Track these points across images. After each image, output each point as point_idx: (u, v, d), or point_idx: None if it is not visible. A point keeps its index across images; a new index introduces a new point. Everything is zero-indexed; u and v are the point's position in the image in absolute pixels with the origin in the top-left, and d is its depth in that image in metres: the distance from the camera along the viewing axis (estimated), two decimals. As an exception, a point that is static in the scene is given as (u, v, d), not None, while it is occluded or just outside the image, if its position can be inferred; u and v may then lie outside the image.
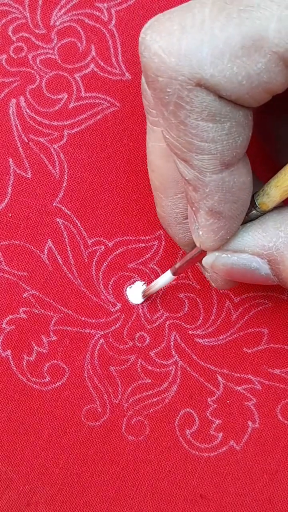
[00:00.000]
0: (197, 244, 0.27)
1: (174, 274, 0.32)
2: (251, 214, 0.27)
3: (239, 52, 0.21)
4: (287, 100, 0.30)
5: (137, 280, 0.35)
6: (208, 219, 0.26)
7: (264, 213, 0.27)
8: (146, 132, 0.30)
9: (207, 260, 0.28)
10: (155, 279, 0.35)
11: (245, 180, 0.25)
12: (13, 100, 0.35)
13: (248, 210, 0.27)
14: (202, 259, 0.29)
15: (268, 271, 0.27)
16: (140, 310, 0.35)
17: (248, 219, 0.27)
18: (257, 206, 0.26)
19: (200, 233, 0.26)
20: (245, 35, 0.21)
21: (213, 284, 0.31)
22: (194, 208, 0.26)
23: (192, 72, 0.22)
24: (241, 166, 0.25)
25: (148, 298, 0.35)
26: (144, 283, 0.35)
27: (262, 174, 0.30)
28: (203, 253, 0.29)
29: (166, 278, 0.33)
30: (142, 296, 0.35)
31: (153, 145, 0.29)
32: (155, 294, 0.35)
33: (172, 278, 0.32)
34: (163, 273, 0.35)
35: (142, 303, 0.35)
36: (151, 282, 0.35)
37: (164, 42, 0.22)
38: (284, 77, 0.22)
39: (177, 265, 0.31)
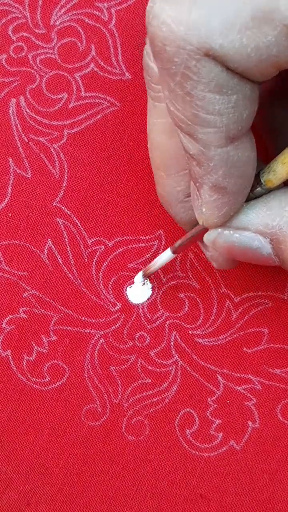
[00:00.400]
0: (200, 222, 0.27)
1: (174, 252, 0.31)
2: (256, 192, 0.27)
3: (250, 23, 0.21)
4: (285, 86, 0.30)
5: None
6: (211, 195, 0.25)
7: (269, 191, 0.26)
8: (146, 129, 0.30)
9: (208, 237, 0.28)
10: (156, 279, 0.35)
11: (250, 154, 0.25)
12: (13, 100, 0.35)
13: (253, 188, 0.26)
14: (203, 237, 0.28)
15: (270, 251, 0.27)
16: (140, 310, 0.35)
17: (253, 196, 0.27)
18: (262, 184, 0.26)
19: (204, 209, 0.26)
20: (256, 7, 0.21)
21: (214, 264, 0.31)
22: (197, 184, 0.26)
23: (200, 41, 0.21)
24: (246, 140, 0.25)
25: (152, 295, 0.35)
26: (145, 282, 0.35)
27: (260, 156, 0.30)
28: (203, 231, 0.28)
29: (165, 256, 0.32)
30: (143, 275, 0.34)
31: (155, 122, 0.29)
32: (155, 294, 0.35)
33: (172, 257, 0.32)
34: (163, 273, 0.35)
35: (143, 281, 0.35)
36: (152, 282, 0.35)
37: (173, 11, 0.22)
38: None
39: (177, 243, 0.31)
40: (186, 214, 0.30)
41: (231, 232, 0.27)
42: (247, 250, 0.27)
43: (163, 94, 0.24)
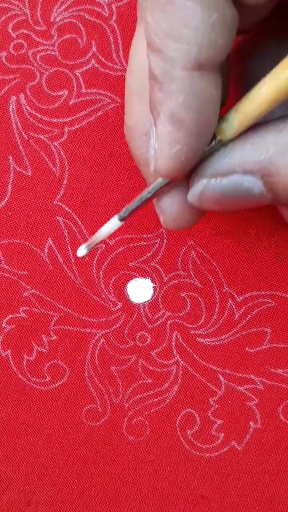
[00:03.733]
0: (151, 166, 0.25)
1: (121, 220, 0.28)
2: (212, 148, 0.25)
3: None
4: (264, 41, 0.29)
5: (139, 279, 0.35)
6: (167, 125, 0.24)
7: (225, 143, 0.25)
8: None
9: (194, 192, 0.26)
10: (157, 278, 0.35)
11: (214, 92, 0.24)
12: (13, 97, 0.34)
13: (214, 140, 0.25)
14: (152, 199, 0.27)
15: (261, 188, 0.25)
16: (141, 309, 0.35)
17: (208, 153, 0.25)
18: (225, 131, 0.25)
19: (156, 145, 0.25)
20: None
21: (161, 218, 0.28)
22: (155, 113, 0.24)
23: None
24: (213, 76, 0.24)
25: (153, 294, 0.35)
26: (147, 279, 0.35)
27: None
28: (155, 194, 0.26)
29: (111, 225, 0.28)
30: (86, 247, 0.29)
31: (137, 43, 0.28)
32: (156, 294, 0.35)
33: (119, 224, 0.28)
34: (165, 272, 0.35)
35: (85, 256, 0.33)
36: (153, 281, 0.35)
37: None
38: None
39: (124, 208, 0.27)
40: (146, 150, 0.28)
41: (218, 180, 0.25)
42: (237, 194, 0.25)
43: (145, 5, 0.24)
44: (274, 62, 0.25)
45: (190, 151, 0.25)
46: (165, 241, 0.35)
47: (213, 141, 0.25)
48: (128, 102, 0.29)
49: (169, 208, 0.28)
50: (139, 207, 0.27)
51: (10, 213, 0.35)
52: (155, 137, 0.25)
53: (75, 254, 0.35)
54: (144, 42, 0.27)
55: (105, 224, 0.28)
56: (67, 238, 0.35)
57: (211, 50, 0.23)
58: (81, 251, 0.29)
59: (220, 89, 0.25)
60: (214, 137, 0.25)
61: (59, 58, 0.34)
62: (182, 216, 0.28)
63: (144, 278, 0.35)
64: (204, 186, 0.26)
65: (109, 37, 0.34)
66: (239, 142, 0.25)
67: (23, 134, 0.35)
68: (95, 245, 0.29)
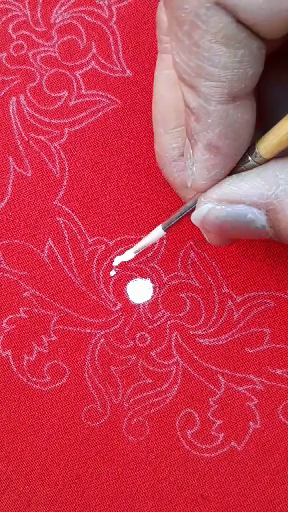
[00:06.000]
0: (189, 183, 0.27)
1: (165, 229, 0.31)
2: (247, 165, 0.26)
3: None
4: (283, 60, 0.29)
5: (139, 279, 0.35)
6: (204, 153, 0.25)
7: (261, 163, 0.26)
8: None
9: (197, 214, 0.27)
10: (157, 278, 0.35)
11: (249, 118, 0.25)
12: (13, 98, 0.35)
13: (245, 160, 0.26)
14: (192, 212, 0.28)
15: (265, 223, 0.26)
16: (141, 309, 0.35)
17: (243, 169, 0.26)
18: (255, 156, 0.26)
19: (194, 169, 0.26)
20: None
21: (206, 237, 0.30)
22: (192, 141, 0.25)
23: None
24: (247, 103, 0.24)
25: (153, 295, 0.35)
26: (147, 280, 0.35)
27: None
28: (194, 209, 0.28)
29: (156, 233, 0.32)
30: (134, 252, 0.33)
31: (160, 73, 0.29)
32: (156, 294, 0.35)
33: (163, 234, 0.31)
34: (164, 272, 0.35)
35: (132, 260, 0.34)
36: (153, 281, 0.35)
37: None
38: None
39: (167, 221, 0.30)
40: (178, 175, 0.30)
41: (223, 207, 0.26)
42: (240, 224, 0.26)
43: (170, 45, 0.24)
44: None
45: (226, 172, 0.26)
46: (164, 242, 0.35)
47: (248, 158, 0.26)
48: (155, 131, 0.30)
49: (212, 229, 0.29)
50: (181, 219, 0.29)
51: (10, 214, 0.35)
52: (193, 160, 0.26)
53: (75, 255, 0.35)
54: (164, 74, 0.28)
55: (151, 232, 0.31)
56: (67, 239, 0.35)
57: (243, 82, 0.23)
58: (128, 255, 0.34)
59: (255, 112, 0.25)
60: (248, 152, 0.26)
61: (59, 59, 0.34)
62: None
63: (144, 279, 0.35)
64: (209, 210, 0.26)
65: (109, 39, 0.34)
66: (251, 174, 0.26)
67: (23, 135, 0.35)
68: (140, 251, 0.33)
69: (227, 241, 0.30)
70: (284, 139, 0.25)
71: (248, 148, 0.26)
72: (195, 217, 0.27)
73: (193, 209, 0.28)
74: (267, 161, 0.26)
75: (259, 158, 0.26)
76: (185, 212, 0.29)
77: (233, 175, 0.26)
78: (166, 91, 0.29)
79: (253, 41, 0.22)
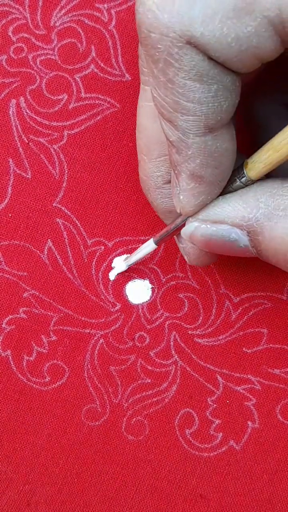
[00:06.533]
0: (177, 209, 0.27)
1: (156, 244, 0.32)
2: (235, 186, 0.27)
3: (231, 13, 0.21)
4: (268, 81, 0.30)
5: (137, 280, 0.35)
6: (189, 183, 0.26)
7: (247, 184, 0.27)
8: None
9: (185, 231, 0.28)
10: (155, 279, 0.35)
11: (228, 146, 0.25)
12: (13, 101, 0.35)
13: (232, 181, 0.27)
14: (180, 230, 0.29)
15: (247, 243, 0.27)
16: (140, 310, 0.35)
17: (232, 190, 0.27)
18: (242, 177, 0.26)
19: (181, 197, 0.27)
20: None
21: (185, 258, 0.31)
22: (176, 172, 0.26)
23: (183, 29, 0.22)
24: (225, 132, 0.25)
25: (152, 295, 0.35)
26: (145, 281, 0.35)
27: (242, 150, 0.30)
28: (183, 224, 0.29)
29: (148, 247, 0.33)
30: (126, 264, 0.35)
31: (143, 104, 0.29)
32: (154, 295, 0.35)
33: (154, 248, 0.32)
34: (163, 273, 0.35)
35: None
36: (152, 282, 0.35)
37: None
38: (273, 43, 0.22)
39: (158, 235, 0.31)
40: (162, 201, 0.31)
41: (208, 226, 0.27)
42: (224, 243, 0.27)
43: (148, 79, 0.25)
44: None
45: (211, 198, 0.27)
46: (163, 243, 0.35)
47: (235, 177, 0.27)
48: (140, 159, 0.31)
49: (192, 251, 0.30)
50: (170, 235, 0.30)
51: (10, 215, 0.35)
52: (180, 189, 0.26)
53: (74, 256, 0.35)
54: (147, 105, 0.29)
55: (143, 245, 0.33)
56: (66, 240, 0.35)
57: (218, 115, 0.24)
58: (121, 267, 0.35)
59: (234, 138, 0.26)
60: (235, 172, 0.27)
61: (59, 62, 0.35)
62: (203, 257, 0.31)
63: (142, 280, 0.35)
64: (195, 228, 0.28)
65: (108, 43, 0.35)
66: (235, 196, 0.27)
67: (23, 137, 0.35)
68: (132, 264, 0.34)
69: (208, 260, 0.31)
70: (269, 162, 0.25)
71: (237, 168, 0.27)
72: (183, 233, 0.28)
73: (183, 225, 0.29)
74: (254, 182, 0.26)
75: (246, 179, 0.26)
76: (175, 228, 0.30)
77: (219, 197, 0.27)
78: (149, 122, 0.29)
79: (226, 75, 0.23)
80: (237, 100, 0.24)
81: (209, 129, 0.24)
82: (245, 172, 0.26)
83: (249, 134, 0.32)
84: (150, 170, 0.30)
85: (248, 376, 0.35)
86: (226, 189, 0.27)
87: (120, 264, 0.35)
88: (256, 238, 0.26)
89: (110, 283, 0.35)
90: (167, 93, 0.23)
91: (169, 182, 0.30)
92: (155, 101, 0.24)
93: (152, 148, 0.30)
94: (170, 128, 0.25)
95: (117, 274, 0.35)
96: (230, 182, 0.27)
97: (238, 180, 0.27)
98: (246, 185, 0.27)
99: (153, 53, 0.23)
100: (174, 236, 0.32)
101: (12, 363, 0.35)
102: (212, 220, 0.27)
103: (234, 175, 0.27)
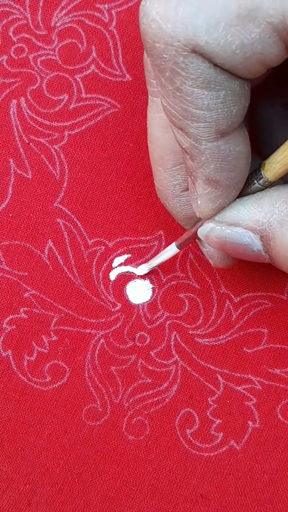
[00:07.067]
0: (197, 214, 0.28)
1: (179, 247, 0.32)
2: (253, 188, 0.27)
3: (234, 21, 0.22)
4: (270, 83, 0.30)
5: (138, 281, 0.35)
6: (205, 188, 0.26)
7: (265, 187, 0.27)
8: (146, 133, 0.30)
9: (202, 231, 0.28)
10: (156, 279, 0.35)
11: (242, 149, 0.25)
12: (14, 101, 0.35)
13: (250, 182, 0.27)
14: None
15: (260, 248, 0.27)
16: (141, 310, 0.35)
17: (250, 192, 0.27)
18: (259, 179, 0.27)
19: (199, 202, 0.27)
20: (241, 5, 0.21)
21: (210, 261, 0.32)
22: (192, 178, 0.26)
23: (187, 38, 0.22)
24: (238, 135, 0.25)
25: (152, 295, 0.35)
26: (146, 280, 0.35)
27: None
28: None
29: (170, 251, 0.33)
30: (148, 268, 0.35)
31: (153, 116, 0.29)
32: (155, 295, 0.35)
33: (176, 251, 0.32)
34: (163, 273, 0.35)
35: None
36: (152, 282, 0.35)
37: (162, 8, 0.22)
38: (277, 49, 0.22)
39: (180, 239, 0.31)
40: (182, 209, 0.31)
41: (223, 227, 0.27)
42: (238, 246, 0.27)
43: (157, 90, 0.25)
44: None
45: (230, 199, 0.27)
46: (163, 243, 0.35)
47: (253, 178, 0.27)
48: (155, 170, 0.31)
49: (216, 254, 0.31)
50: (191, 238, 0.31)
51: (10, 215, 0.35)
52: (197, 195, 0.27)
53: (75, 256, 0.35)
54: (157, 117, 0.29)
55: (165, 249, 0.33)
56: (67, 240, 0.35)
57: (229, 120, 0.24)
58: (142, 270, 0.35)
59: (247, 140, 0.26)
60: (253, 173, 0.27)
61: (60, 62, 0.35)
62: (227, 259, 0.31)
63: (143, 280, 0.35)
64: (210, 229, 0.28)
65: (109, 43, 0.35)
66: (251, 199, 0.27)
67: (23, 137, 0.35)
68: (154, 267, 0.35)
69: (230, 262, 0.31)
70: (285, 162, 0.25)
71: (255, 170, 0.27)
72: (200, 233, 0.29)
73: None
74: (272, 183, 0.26)
75: (263, 180, 0.26)
76: (196, 232, 0.30)
77: (236, 199, 0.27)
78: (160, 133, 0.29)
79: (234, 81, 0.23)
80: (247, 103, 0.25)
81: (220, 134, 0.24)
82: (262, 174, 0.26)
83: (252, 136, 0.32)
84: (166, 180, 0.30)
85: (249, 376, 0.35)
86: (245, 191, 0.27)
87: (141, 267, 0.35)
88: (269, 243, 0.26)
89: (110, 283, 0.35)
90: (176, 102, 0.24)
91: (187, 189, 0.30)
92: (165, 110, 0.25)
93: (166, 158, 0.30)
94: (182, 135, 0.25)
95: (138, 276, 0.35)
96: (248, 184, 0.27)
97: (256, 181, 0.27)
98: (264, 186, 0.27)
99: (159, 63, 0.23)
100: (196, 240, 0.32)
101: (12, 363, 0.35)
102: (228, 222, 0.27)
103: (252, 177, 0.27)
